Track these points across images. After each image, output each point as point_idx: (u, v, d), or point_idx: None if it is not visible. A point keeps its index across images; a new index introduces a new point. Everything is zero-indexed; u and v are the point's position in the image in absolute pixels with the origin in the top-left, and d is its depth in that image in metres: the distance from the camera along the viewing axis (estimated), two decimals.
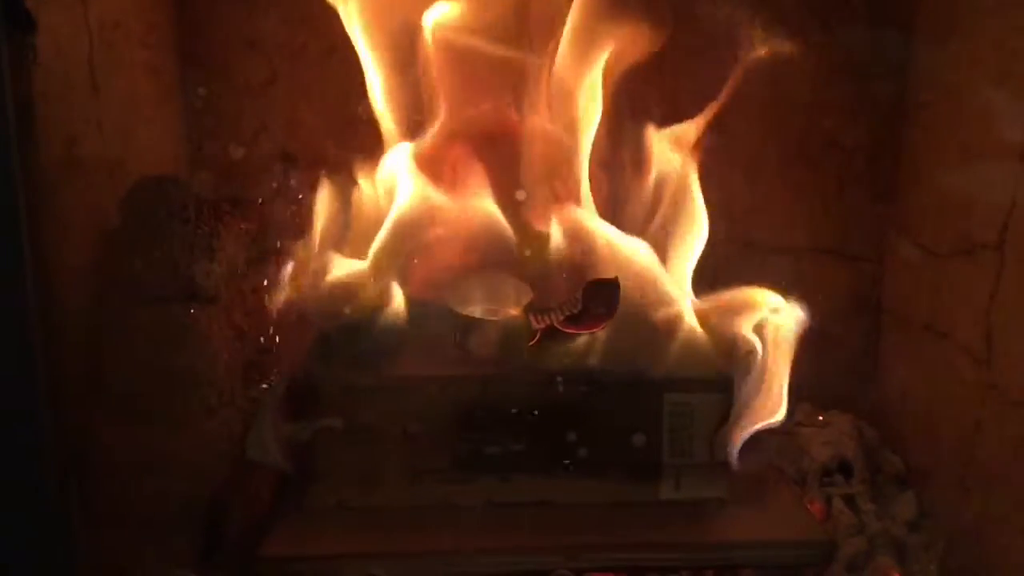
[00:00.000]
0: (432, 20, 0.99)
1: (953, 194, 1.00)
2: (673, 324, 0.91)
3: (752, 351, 0.90)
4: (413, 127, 1.00)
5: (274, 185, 1.02)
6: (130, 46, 1.00)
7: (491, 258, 0.96)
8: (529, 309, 0.93)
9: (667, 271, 0.95)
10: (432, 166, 0.98)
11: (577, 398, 0.89)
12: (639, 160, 1.02)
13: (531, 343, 0.92)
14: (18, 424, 0.73)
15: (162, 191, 0.88)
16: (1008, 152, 0.89)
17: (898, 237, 1.13)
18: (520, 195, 1.00)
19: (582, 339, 0.92)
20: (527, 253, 0.98)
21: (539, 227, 0.99)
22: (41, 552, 0.75)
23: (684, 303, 0.93)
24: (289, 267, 0.92)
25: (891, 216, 1.15)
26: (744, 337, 0.91)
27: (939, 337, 1.02)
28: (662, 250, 0.96)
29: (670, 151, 1.01)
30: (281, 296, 0.90)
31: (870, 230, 1.16)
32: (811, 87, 1.14)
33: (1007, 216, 0.89)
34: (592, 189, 1.00)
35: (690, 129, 1.01)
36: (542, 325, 0.92)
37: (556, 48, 1.00)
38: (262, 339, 0.96)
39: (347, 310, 0.90)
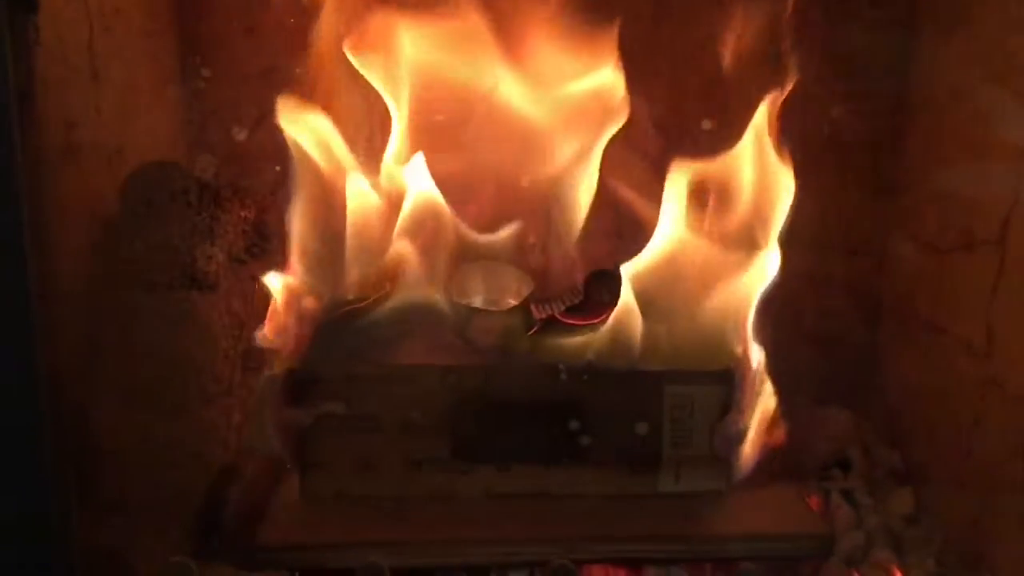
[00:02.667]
0: None
1: (954, 190, 1.00)
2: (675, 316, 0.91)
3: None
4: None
5: (277, 168, 1.01)
6: (130, 33, 1.00)
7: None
8: (530, 299, 0.93)
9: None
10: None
11: (577, 389, 0.89)
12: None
13: (531, 333, 0.92)
14: (16, 410, 0.73)
15: (163, 175, 0.87)
16: (1009, 148, 0.89)
17: (899, 233, 1.13)
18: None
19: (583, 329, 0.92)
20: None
21: None
22: (38, 539, 0.74)
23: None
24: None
25: (892, 212, 1.15)
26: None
27: (939, 332, 1.02)
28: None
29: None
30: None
31: (871, 225, 1.16)
32: (812, 82, 1.14)
33: (1008, 212, 0.89)
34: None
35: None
36: (543, 315, 0.92)
37: None
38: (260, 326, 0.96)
39: (349, 297, 0.90)
